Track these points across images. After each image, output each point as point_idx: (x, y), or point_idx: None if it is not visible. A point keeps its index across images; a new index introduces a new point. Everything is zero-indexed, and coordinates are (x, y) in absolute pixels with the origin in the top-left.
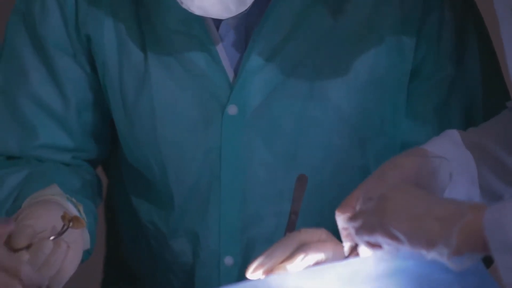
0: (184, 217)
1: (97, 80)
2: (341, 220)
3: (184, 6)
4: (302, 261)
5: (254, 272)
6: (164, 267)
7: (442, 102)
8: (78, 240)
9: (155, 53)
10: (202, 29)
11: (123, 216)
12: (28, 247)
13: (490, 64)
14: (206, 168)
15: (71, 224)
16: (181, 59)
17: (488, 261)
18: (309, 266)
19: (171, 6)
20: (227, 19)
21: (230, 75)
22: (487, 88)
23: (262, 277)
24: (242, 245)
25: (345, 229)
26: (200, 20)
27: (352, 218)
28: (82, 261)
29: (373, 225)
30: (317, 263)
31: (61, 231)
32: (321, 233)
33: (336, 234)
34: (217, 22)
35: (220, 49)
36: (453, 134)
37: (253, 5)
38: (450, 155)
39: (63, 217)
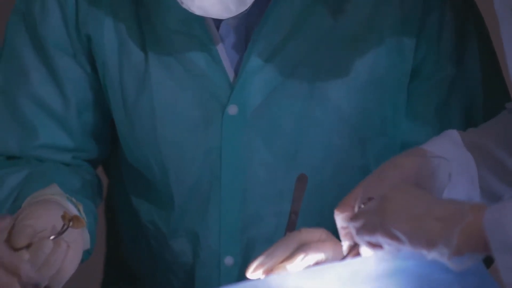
0: (184, 217)
1: (97, 80)
2: (340, 220)
3: (184, 6)
4: (302, 261)
5: (254, 272)
6: (164, 267)
7: (442, 102)
8: (78, 240)
9: (155, 53)
10: (202, 29)
11: (123, 216)
12: (28, 246)
13: (490, 64)
14: (206, 168)
15: (71, 223)
16: (181, 59)
17: (488, 261)
18: (309, 266)
19: (171, 6)
20: (227, 19)
21: (230, 75)
22: (487, 88)
23: (262, 277)
24: (242, 245)
25: (344, 228)
26: (200, 20)
27: (352, 218)
28: (82, 261)
29: (373, 225)
30: (317, 263)
31: (61, 231)
32: (321, 233)
33: (336, 234)
34: (217, 22)
35: (220, 49)
36: (453, 134)
37: (253, 5)
38: (450, 155)
39: (63, 217)
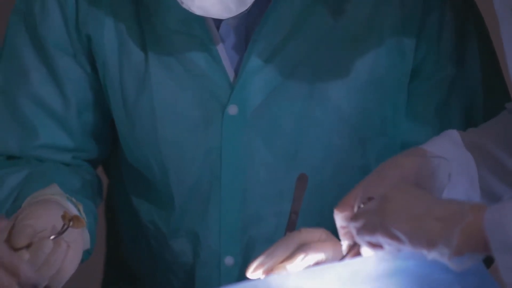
0: (184, 217)
1: (98, 80)
2: (339, 219)
3: (184, 6)
4: (302, 261)
5: (254, 272)
6: (164, 267)
7: (442, 102)
8: (78, 240)
9: (156, 53)
10: (203, 29)
11: (123, 216)
12: (28, 246)
13: (490, 64)
14: (207, 168)
15: (71, 223)
16: (181, 59)
17: (488, 261)
18: (309, 266)
19: (172, 6)
20: (228, 19)
21: (231, 75)
22: (487, 88)
23: (262, 276)
24: (242, 245)
25: (343, 227)
26: (201, 20)
27: (353, 219)
28: (82, 261)
29: (374, 225)
30: (317, 263)
31: (61, 231)
32: (321, 233)
33: (336, 233)
34: (218, 22)
35: (220, 49)
36: (453, 134)
37: (253, 5)
38: (450, 155)
39: (63, 217)
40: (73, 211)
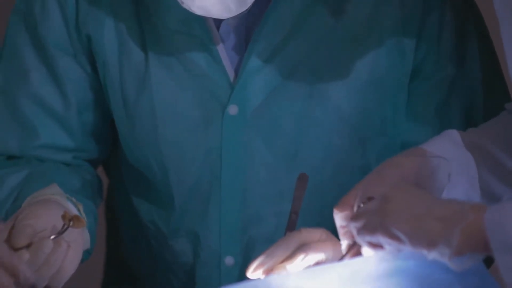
0: (184, 217)
1: (98, 80)
2: (339, 218)
3: (184, 6)
4: (303, 261)
5: (254, 272)
6: (165, 267)
7: (442, 102)
8: (78, 240)
9: (156, 53)
10: (203, 29)
11: (124, 216)
12: (28, 246)
13: (490, 64)
14: (207, 168)
15: (71, 223)
16: (181, 59)
17: (488, 262)
18: (309, 266)
19: (172, 6)
20: (228, 19)
21: (231, 75)
22: (488, 88)
23: (262, 276)
24: (242, 245)
25: (343, 227)
26: (201, 20)
27: (353, 219)
28: (82, 261)
29: (374, 225)
30: (318, 263)
31: (62, 230)
32: (321, 233)
33: (336, 233)
34: (218, 22)
35: (220, 49)
36: (453, 134)
37: (253, 5)
38: (450, 155)
39: (63, 216)
40: (73, 211)
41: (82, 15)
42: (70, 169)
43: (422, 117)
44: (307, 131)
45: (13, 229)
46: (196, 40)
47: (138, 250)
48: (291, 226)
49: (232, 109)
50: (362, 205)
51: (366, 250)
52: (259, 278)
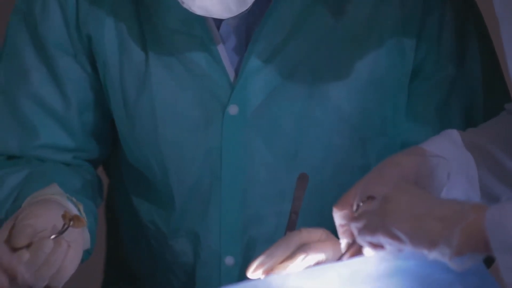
0: (184, 217)
1: (98, 80)
2: (338, 217)
3: (185, 6)
4: (303, 261)
5: (254, 272)
6: (165, 267)
7: (442, 102)
8: (79, 240)
9: (156, 53)
10: (203, 29)
11: (124, 216)
12: (28, 246)
13: (490, 64)
14: (207, 168)
15: (71, 223)
16: (182, 59)
17: (488, 262)
18: (309, 266)
19: (172, 6)
20: (228, 19)
21: (231, 75)
22: (488, 88)
23: (262, 276)
24: (242, 245)
25: (342, 226)
26: (201, 20)
27: (354, 219)
28: (82, 261)
29: (375, 225)
30: (318, 263)
31: (62, 230)
32: (321, 233)
33: (336, 233)
34: (218, 22)
35: (221, 49)
36: (453, 134)
37: (253, 5)
38: (450, 155)
39: (64, 216)
40: (74, 211)
41: (83, 15)
42: (70, 169)
43: (422, 117)
44: (307, 131)
45: (13, 229)
46: (196, 40)
47: (138, 250)
48: (291, 226)
49: (232, 109)
50: (361, 204)
51: (367, 250)
52: (259, 278)
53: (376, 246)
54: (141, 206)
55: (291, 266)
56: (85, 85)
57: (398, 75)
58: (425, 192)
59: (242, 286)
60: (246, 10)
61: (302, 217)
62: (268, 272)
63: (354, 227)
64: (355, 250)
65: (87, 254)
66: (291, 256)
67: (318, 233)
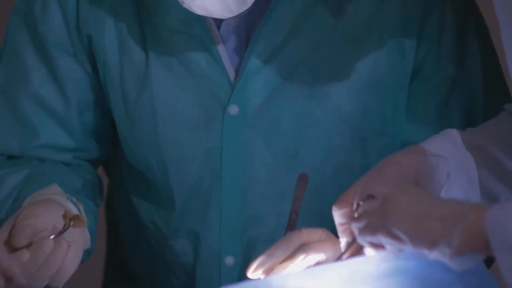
0: (184, 217)
1: (98, 80)
2: (338, 216)
3: (185, 5)
4: (303, 261)
5: (254, 272)
6: (165, 267)
7: (442, 102)
8: (79, 239)
9: (156, 52)
10: (203, 29)
11: (124, 216)
12: (28, 246)
13: (490, 64)
14: (207, 168)
15: (72, 223)
16: (182, 59)
17: (488, 262)
18: (309, 266)
19: (172, 5)
20: (228, 19)
21: (231, 75)
22: (488, 88)
23: (263, 276)
24: (242, 245)
25: (342, 224)
26: (201, 20)
27: (354, 219)
28: (82, 261)
29: (375, 225)
30: (318, 263)
31: (62, 230)
32: (322, 233)
33: (336, 233)
34: (218, 22)
35: (221, 49)
36: (453, 134)
37: (254, 5)
38: (450, 154)
39: (64, 216)
40: (74, 211)
41: (83, 15)
42: (70, 169)
43: (422, 117)
44: (307, 131)
45: (13, 229)
46: (196, 40)
47: (138, 250)
48: (292, 226)
49: (233, 109)
50: (361, 203)
51: (368, 250)
52: (259, 278)
53: (377, 246)
54: (141, 206)
55: (291, 266)
56: (85, 85)
57: (398, 75)
58: (425, 192)
59: (242, 286)
60: (246, 10)
61: (302, 217)
62: (268, 272)
63: (355, 227)
64: (354, 249)
65: (87, 254)
66: (291, 256)
67: (318, 233)
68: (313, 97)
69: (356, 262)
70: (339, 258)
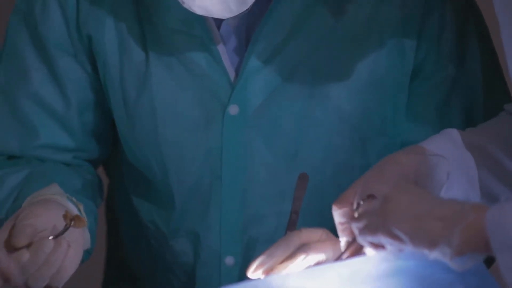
0: (185, 217)
1: (98, 80)
2: (338, 215)
3: (185, 5)
4: (303, 261)
5: (254, 272)
6: (165, 267)
7: (442, 102)
8: (79, 239)
9: (156, 52)
10: (203, 29)
11: (124, 216)
12: (28, 246)
13: (490, 64)
14: (207, 168)
15: (72, 223)
16: (182, 58)
17: (488, 262)
18: (309, 266)
19: (172, 5)
20: (228, 19)
21: (231, 75)
22: (488, 88)
23: (263, 276)
24: (243, 245)
25: (342, 223)
26: (201, 20)
27: (355, 219)
28: (83, 261)
29: (375, 225)
30: (318, 263)
31: (63, 230)
32: (322, 233)
33: (336, 233)
34: (218, 22)
35: (221, 49)
36: (453, 133)
37: (254, 5)
38: (450, 154)
39: (64, 216)
40: (74, 211)
41: (83, 15)
42: (70, 169)
43: (422, 117)
44: (307, 131)
45: (13, 229)
46: (196, 40)
47: (138, 250)
48: (292, 226)
49: (233, 109)
50: (361, 202)
51: (368, 250)
52: (259, 278)
53: (377, 246)
54: (141, 206)
55: (291, 266)
56: (85, 85)
57: (398, 75)
58: (425, 192)
59: (242, 286)
60: (247, 10)
61: (302, 217)
62: (268, 272)
63: (355, 227)
64: (354, 249)
65: (87, 254)
66: (291, 256)
67: (318, 233)
68: (313, 97)
69: (356, 262)
70: (339, 257)
